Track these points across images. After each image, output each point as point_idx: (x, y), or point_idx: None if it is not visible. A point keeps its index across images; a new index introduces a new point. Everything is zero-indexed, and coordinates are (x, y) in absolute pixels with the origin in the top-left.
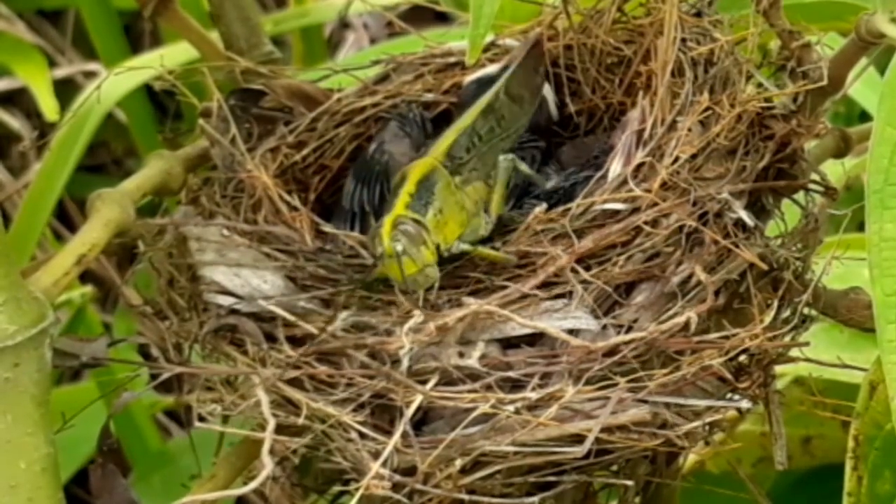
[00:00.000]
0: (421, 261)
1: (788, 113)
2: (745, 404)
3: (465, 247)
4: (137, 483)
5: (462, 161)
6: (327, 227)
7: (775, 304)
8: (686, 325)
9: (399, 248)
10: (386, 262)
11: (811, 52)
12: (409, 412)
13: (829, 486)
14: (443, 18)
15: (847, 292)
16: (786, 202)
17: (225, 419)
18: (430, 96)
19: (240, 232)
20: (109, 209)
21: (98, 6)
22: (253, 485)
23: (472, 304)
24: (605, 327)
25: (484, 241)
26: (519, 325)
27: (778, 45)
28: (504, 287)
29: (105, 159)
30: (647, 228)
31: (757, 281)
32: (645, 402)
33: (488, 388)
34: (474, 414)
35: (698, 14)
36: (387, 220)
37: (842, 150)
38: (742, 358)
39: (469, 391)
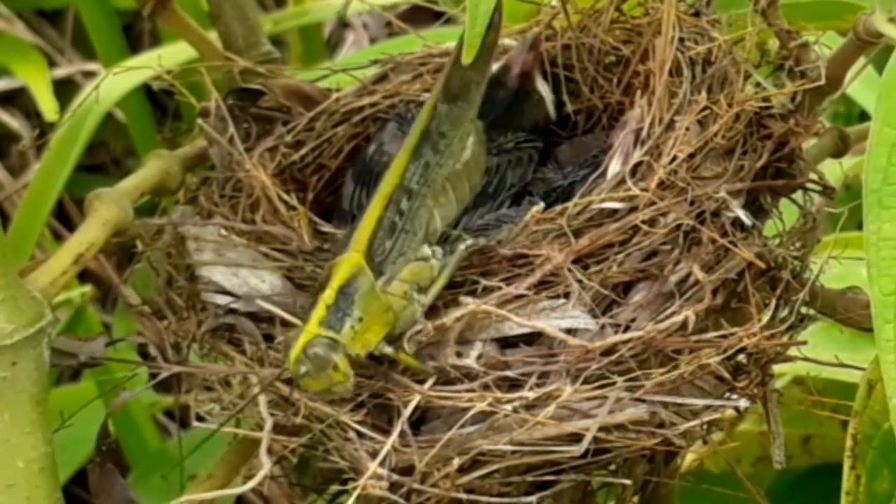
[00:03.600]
0: (328, 381)
1: (786, 112)
2: (743, 403)
3: (388, 350)
4: (136, 483)
5: (384, 256)
6: (326, 227)
7: (773, 303)
8: (684, 325)
9: (303, 370)
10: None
11: (809, 52)
12: (407, 412)
13: (828, 485)
14: (441, 17)
15: (845, 291)
16: (784, 201)
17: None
18: (427, 96)
19: (238, 232)
20: (107, 209)
21: (97, 6)
22: (251, 484)
23: (470, 303)
24: (602, 327)
25: None
26: (517, 324)
27: (776, 44)
28: (502, 287)
29: (104, 159)
30: (645, 227)
31: (755, 280)
32: (643, 401)
33: (486, 387)
34: (471, 413)
35: (696, 14)
36: (301, 339)
37: (840, 149)
38: (740, 357)
39: (467, 391)
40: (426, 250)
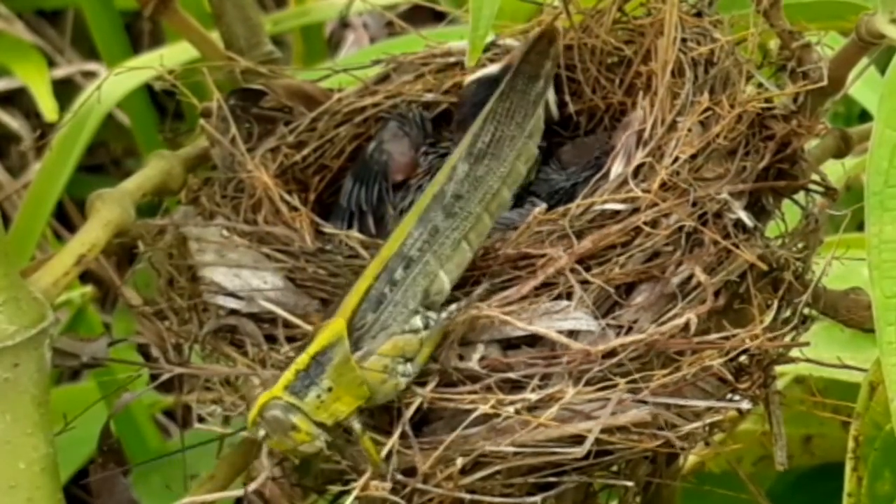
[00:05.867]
0: (291, 443)
1: (789, 113)
2: (745, 405)
3: (356, 426)
4: (137, 482)
5: (364, 330)
6: (327, 228)
7: (775, 304)
8: (686, 326)
9: (261, 433)
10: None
11: (811, 53)
12: (409, 413)
13: (830, 486)
14: (442, 18)
15: (847, 293)
16: (786, 202)
17: (226, 420)
18: (430, 96)
19: (240, 232)
20: (109, 209)
21: (100, 6)
22: (253, 486)
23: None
24: (604, 328)
25: None
26: (518, 327)
27: (778, 45)
28: (504, 288)
29: (104, 159)
30: (647, 229)
31: (757, 281)
32: (645, 402)
33: (488, 389)
34: (474, 415)
35: (698, 14)
36: (258, 401)
37: (842, 150)
38: (742, 358)
39: (469, 392)
40: (416, 322)
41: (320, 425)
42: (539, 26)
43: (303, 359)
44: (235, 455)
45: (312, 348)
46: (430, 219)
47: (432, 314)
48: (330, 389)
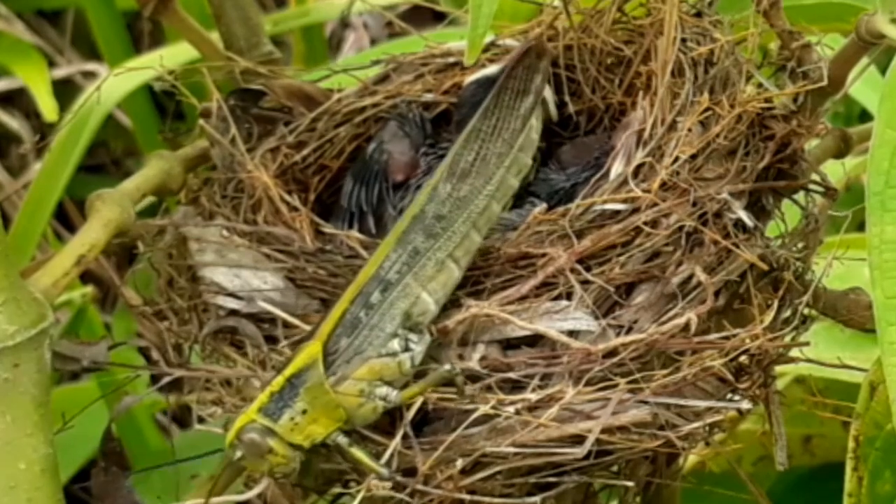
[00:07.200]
0: (267, 465)
1: (789, 113)
2: (745, 405)
3: (342, 441)
4: (137, 482)
5: (337, 355)
6: (327, 228)
7: (775, 304)
8: (686, 326)
9: (237, 454)
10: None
11: (811, 53)
12: (410, 414)
13: (830, 486)
14: (442, 18)
15: (847, 293)
16: (786, 202)
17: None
18: (430, 96)
19: (240, 232)
20: (109, 209)
21: (103, 6)
22: (255, 491)
23: (472, 306)
24: (604, 328)
25: None
26: (519, 327)
27: (778, 45)
28: (504, 288)
29: (104, 159)
30: (647, 229)
31: (757, 281)
32: (645, 402)
33: (488, 389)
34: (475, 415)
35: (698, 14)
36: (236, 424)
37: (842, 150)
38: (742, 358)
39: (469, 392)
40: (394, 345)
41: (296, 447)
42: (539, 26)
43: (278, 381)
44: None
45: (288, 370)
46: (409, 241)
47: (413, 336)
48: (304, 412)
